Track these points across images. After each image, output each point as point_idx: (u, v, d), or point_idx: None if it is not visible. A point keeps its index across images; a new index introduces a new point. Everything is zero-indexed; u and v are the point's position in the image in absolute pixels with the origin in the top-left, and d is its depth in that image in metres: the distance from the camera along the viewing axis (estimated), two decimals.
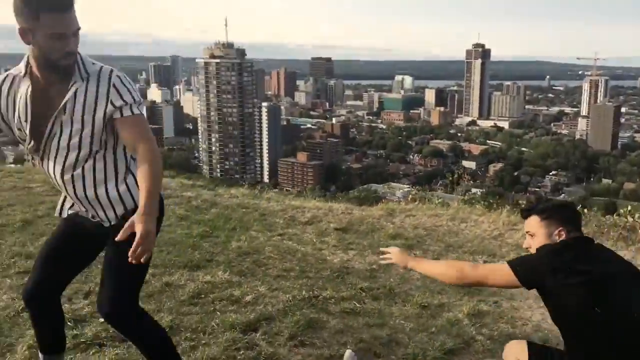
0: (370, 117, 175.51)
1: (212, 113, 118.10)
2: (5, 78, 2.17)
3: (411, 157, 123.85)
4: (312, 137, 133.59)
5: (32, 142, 2.16)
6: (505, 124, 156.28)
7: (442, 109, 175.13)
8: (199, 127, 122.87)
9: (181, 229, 5.07)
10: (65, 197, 2.31)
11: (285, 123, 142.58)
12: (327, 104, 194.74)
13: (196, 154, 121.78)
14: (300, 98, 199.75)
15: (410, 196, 7.52)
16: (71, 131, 2.10)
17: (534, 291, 2.14)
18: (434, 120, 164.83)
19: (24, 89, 2.12)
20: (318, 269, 4.21)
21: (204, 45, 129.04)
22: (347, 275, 4.12)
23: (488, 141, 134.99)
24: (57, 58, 2.01)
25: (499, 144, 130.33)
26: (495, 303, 3.70)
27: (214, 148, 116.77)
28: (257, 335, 3.13)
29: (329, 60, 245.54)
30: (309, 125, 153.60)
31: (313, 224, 5.45)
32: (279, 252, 4.56)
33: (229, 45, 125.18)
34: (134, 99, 2.12)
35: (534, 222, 2.24)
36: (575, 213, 2.28)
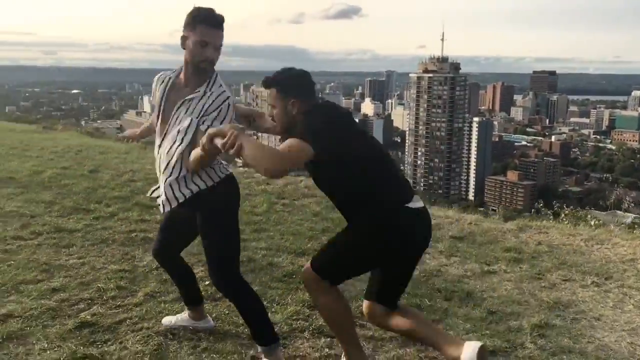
0: (597, 137, 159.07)
1: (420, 127, 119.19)
2: (161, 75, 2.87)
3: None
4: (526, 155, 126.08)
5: (160, 124, 2.80)
6: None
7: None
8: (407, 141, 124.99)
9: (309, 222, 5.67)
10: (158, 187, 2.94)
11: (497, 139, 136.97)
12: (547, 120, 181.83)
13: (402, 167, 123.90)
14: (517, 113, 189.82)
15: (563, 215, 7.11)
16: (186, 124, 2.73)
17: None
18: None
19: (167, 83, 2.81)
20: None
21: (419, 60, 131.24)
22: (434, 278, 4.27)
23: None
24: (199, 61, 2.65)
25: None
26: (574, 319, 3.55)
27: (419, 162, 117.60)
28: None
29: (552, 73, 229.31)
30: (523, 143, 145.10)
31: (432, 231, 5.59)
32: None
33: (443, 60, 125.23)
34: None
35: (273, 95, 2.57)
36: (309, 81, 2.59)
